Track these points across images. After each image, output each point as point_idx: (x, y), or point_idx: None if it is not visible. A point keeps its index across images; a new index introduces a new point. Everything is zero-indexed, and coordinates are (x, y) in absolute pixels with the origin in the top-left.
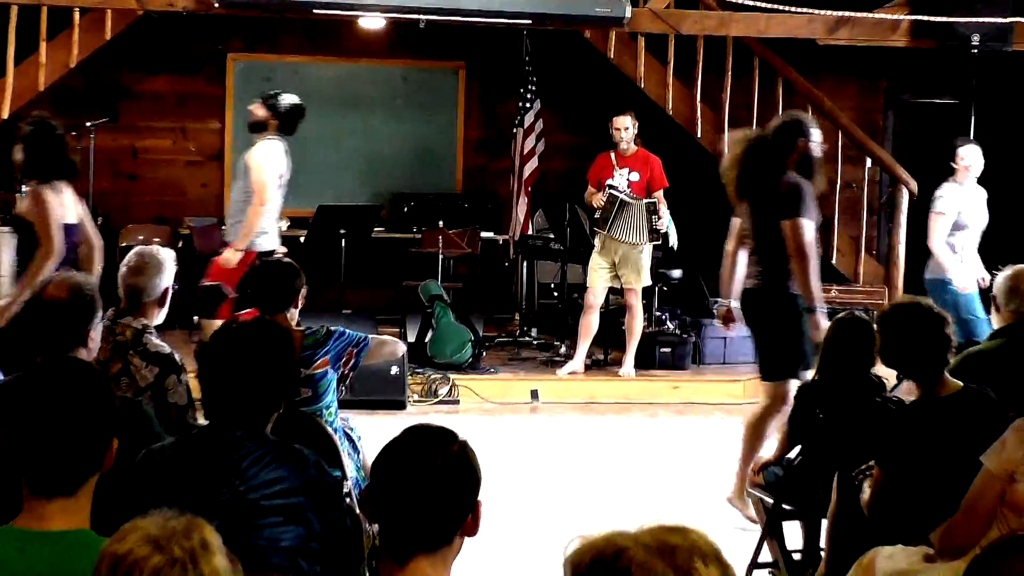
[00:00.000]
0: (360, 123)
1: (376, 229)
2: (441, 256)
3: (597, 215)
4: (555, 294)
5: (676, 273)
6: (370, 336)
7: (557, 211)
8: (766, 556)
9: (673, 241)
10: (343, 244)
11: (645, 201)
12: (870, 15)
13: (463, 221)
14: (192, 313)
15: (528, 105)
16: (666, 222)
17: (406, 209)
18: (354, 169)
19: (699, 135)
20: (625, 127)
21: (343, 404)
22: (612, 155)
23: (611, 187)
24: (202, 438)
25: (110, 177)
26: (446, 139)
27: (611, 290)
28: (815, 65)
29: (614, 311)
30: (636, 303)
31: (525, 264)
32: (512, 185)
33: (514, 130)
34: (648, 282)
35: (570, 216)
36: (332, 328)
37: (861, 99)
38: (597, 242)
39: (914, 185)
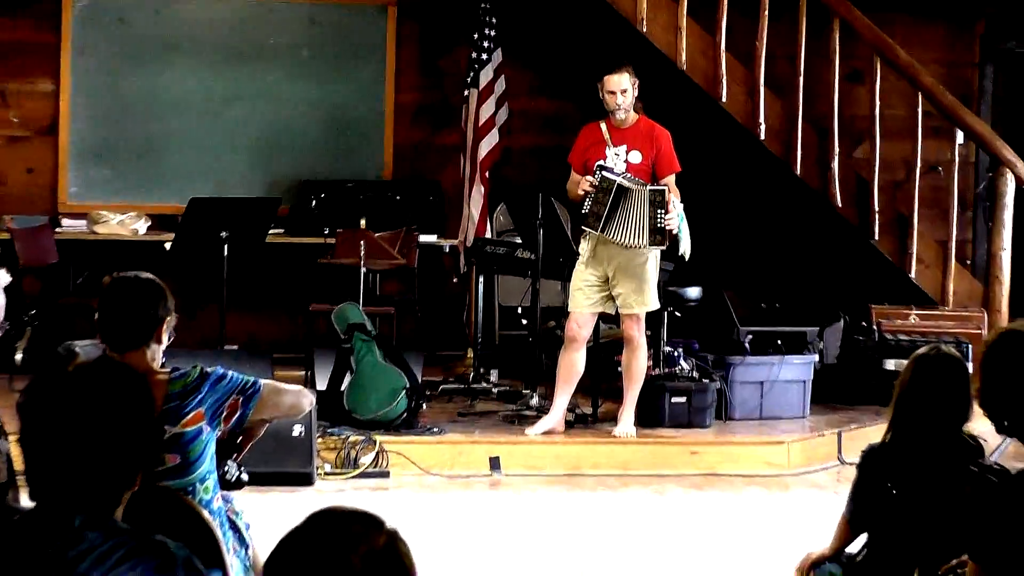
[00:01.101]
0: (250, 83)
1: (272, 232)
2: (364, 269)
3: (584, 209)
4: (523, 322)
5: (693, 292)
6: (262, 381)
7: (526, 205)
8: None
9: (685, 247)
10: (225, 253)
11: (650, 188)
12: None
13: (394, 220)
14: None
15: (485, 57)
16: (677, 220)
17: (314, 203)
18: (242, 148)
19: (723, 99)
20: (621, 89)
21: None
22: (603, 127)
23: (603, 168)
24: (25, 528)
25: None
26: (370, 105)
27: (603, 316)
28: (885, 1)
29: (607, 346)
30: (638, 334)
31: (481, 280)
32: (463, 169)
33: (465, 92)
34: (655, 305)
35: (544, 212)
36: (208, 369)
37: (949, 50)
38: (583, 248)
39: (1023, 168)
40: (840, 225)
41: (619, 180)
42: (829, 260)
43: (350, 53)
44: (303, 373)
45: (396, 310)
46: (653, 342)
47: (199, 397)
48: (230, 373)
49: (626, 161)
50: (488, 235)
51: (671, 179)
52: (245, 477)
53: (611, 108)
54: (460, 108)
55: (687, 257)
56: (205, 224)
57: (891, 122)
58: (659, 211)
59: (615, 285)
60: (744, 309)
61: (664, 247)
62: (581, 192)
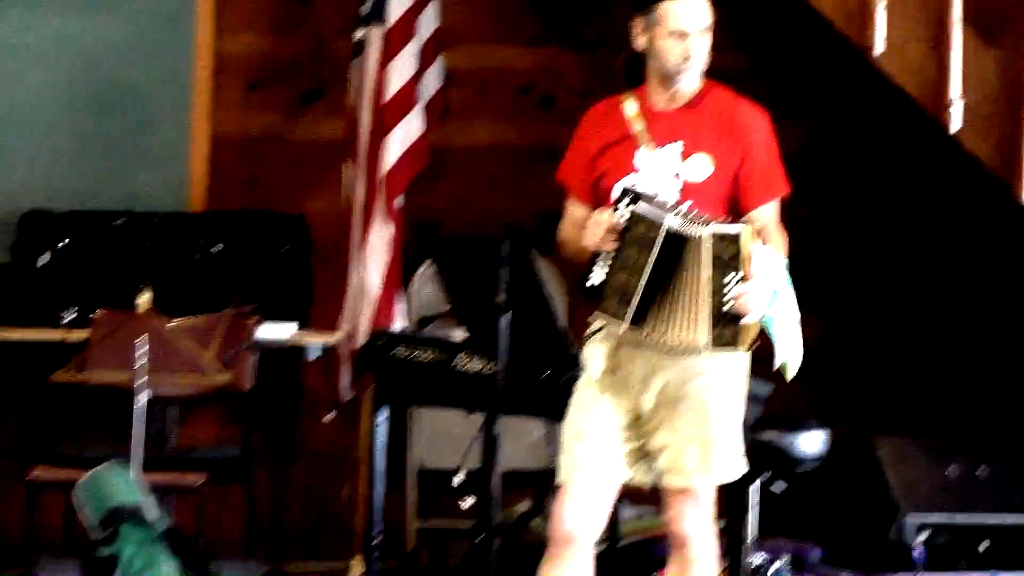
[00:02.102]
0: None
1: None
2: (145, 397)
3: (595, 277)
4: (465, 504)
5: (811, 443)
6: None
7: (476, 267)
8: None
9: (785, 354)
10: None
11: (713, 229)
12: None
13: (210, 295)
14: None
15: None
16: (764, 297)
17: (48, 258)
18: None
19: (877, 49)
20: (701, 28)
21: None
22: (630, 109)
23: (634, 196)
24: None
25: None
26: (162, 64)
27: (628, 493)
28: None
29: (634, 551)
30: (699, 529)
31: (385, 417)
32: (350, 191)
33: (357, 34)
34: (737, 470)
35: (516, 282)
36: None
37: None
38: (594, 350)
39: None
40: None
41: (670, 221)
42: None
43: None
44: None
45: (212, 479)
46: (730, 545)
47: None
48: None
49: (678, 175)
50: (400, 325)
51: (769, 212)
52: None
53: (673, 66)
54: (344, 69)
55: (789, 374)
56: None
57: None
58: (727, 276)
59: (655, 429)
60: (914, 477)
61: (740, 348)
62: (592, 244)
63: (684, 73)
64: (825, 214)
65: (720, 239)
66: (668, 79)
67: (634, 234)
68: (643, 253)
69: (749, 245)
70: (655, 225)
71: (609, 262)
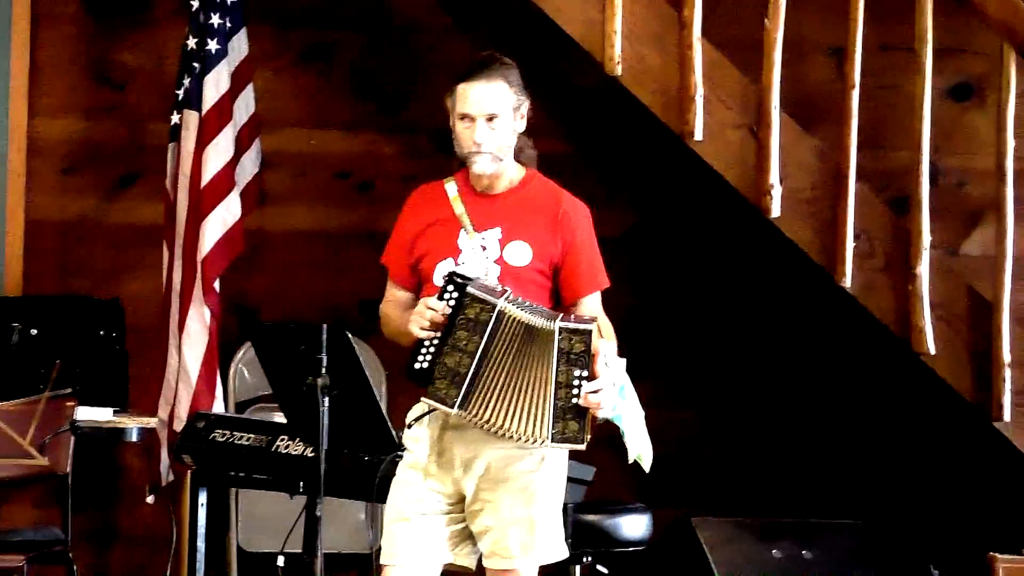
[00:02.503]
0: None
1: None
2: None
3: (421, 361)
4: None
5: (635, 526)
6: None
7: (294, 350)
8: None
9: (638, 449)
10: None
11: (562, 324)
12: None
13: (26, 380)
14: None
15: (214, 45)
16: (612, 393)
17: None
18: None
19: (698, 130)
20: (487, 114)
21: None
22: (452, 191)
23: (459, 280)
24: None
25: None
26: None
27: None
28: None
29: None
30: None
31: (203, 500)
32: (168, 275)
33: (174, 117)
34: (558, 552)
35: (336, 364)
36: None
37: None
38: (416, 435)
39: None
40: (936, 386)
41: (502, 304)
42: (916, 457)
43: None
44: None
45: (32, 560)
46: None
47: None
48: None
49: (500, 260)
50: (220, 408)
51: (596, 302)
52: None
53: (464, 149)
54: (160, 153)
55: (646, 466)
56: None
57: None
58: (576, 372)
59: (478, 511)
60: (737, 559)
61: (582, 446)
62: (417, 329)
63: (474, 157)
64: (651, 298)
65: (570, 334)
66: (466, 164)
67: (466, 316)
68: (475, 335)
69: (597, 341)
70: (487, 307)
71: (431, 348)
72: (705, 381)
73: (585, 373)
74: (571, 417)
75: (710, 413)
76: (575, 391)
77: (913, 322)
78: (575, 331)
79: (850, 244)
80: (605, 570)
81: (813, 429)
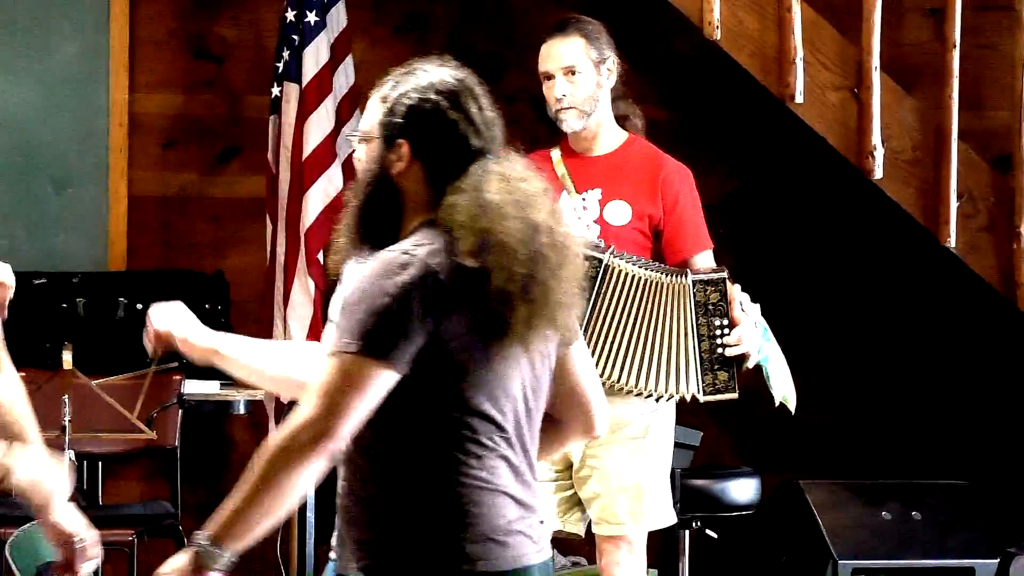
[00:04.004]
0: None
1: None
2: (67, 457)
3: None
4: None
5: (743, 489)
6: None
7: None
8: None
9: (784, 389)
10: None
11: (695, 278)
12: None
13: (133, 353)
14: None
15: (313, 18)
16: (757, 336)
17: None
18: None
19: (798, 92)
20: (565, 67)
21: None
22: (555, 154)
23: None
24: None
25: None
26: (76, 122)
27: (559, 542)
28: None
29: None
30: (631, 574)
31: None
32: (271, 248)
33: (275, 90)
34: (667, 517)
35: None
36: None
37: None
38: None
39: None
40: None
41: (607, 258)
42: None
43: (35, 23)
44: None
45: (142, 535)
46: None
47: None
48: None
49: (600, 220)
50: None
51: (705, 261)
52: None
53: (551, 108)
54: (259, 126)
55: (791, 406)
56: None
57: None
58: (717, 322)
59: (586, 478)
60: (847, 523)
61: (735, 394)
62: None
63: (560, 114)
64: (752, 264)
65: (705, 285)
66: (558, 126)
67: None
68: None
69: (731, 288)
70: (593, 261)
71: None
72: (809, 345)
73: (726, 321)
74: (719, 367)
75: (815, 377)
76: (719, 340)
77: (1018, 280)
78: (709, 282)
79: (953, 204)
80: (714, 534)
81: (918, 390)
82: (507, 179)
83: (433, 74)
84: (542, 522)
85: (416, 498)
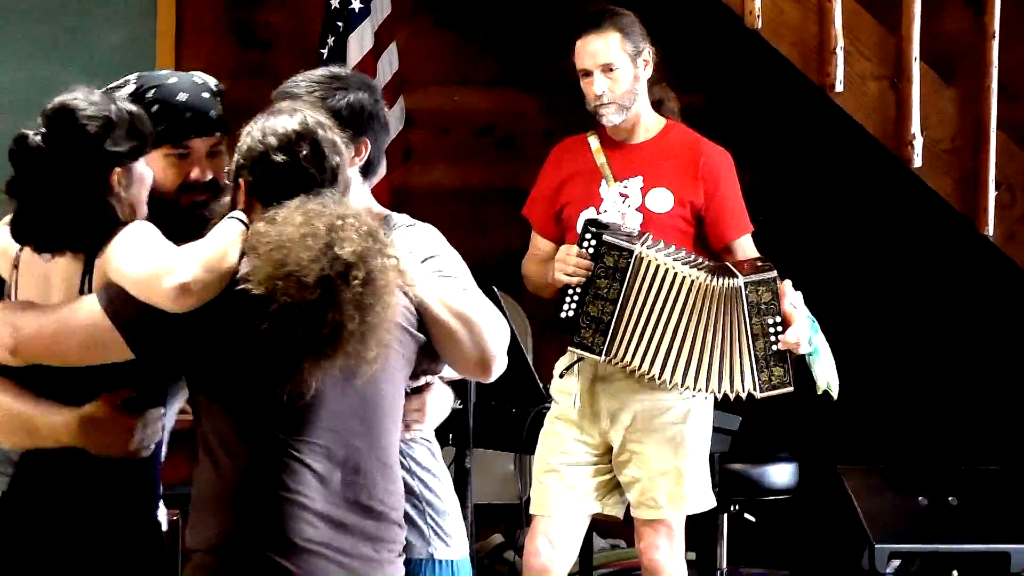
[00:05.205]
0: None
1: None
2: None
3: (566, 309)
4: None
5: (781, 474)
6: None
7: None
8: None
9: (828, 377)
10: None
11: (747, 279)
12: None
13: None
14: None
15: (357, 4)
16: (806, 329)
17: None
18: None
19: (837, 87)
20: (602, 64)
21: None
22: (594, 144)
23: (598, 228)
24: None
25: None
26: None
27: (598, 524)
28: None
29: None
30: (671, 559)
31: None
32: None
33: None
34: (707, 502)
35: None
36: None
37: None
38: (565, 386)
39: None
40: None
41: (639, 249)
42: None
43: (81, 8)
44: None
45: (185, 518)
46: (701, 573)
47: None
48: None
49: (642, 208)
50: None
51: (748, 244)
52: None
53: (590, 103)
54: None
55: (834, 394)
56: None
57: None
58: (770, 320)
59: (625, 462)
60: (883, 507)
61: (791, 388)
62: (561, 279)
63: (600, 109)
64: (787, 250)
65: (756, 286)
66: (596, 118)
67: (604, 264)
68: (614, 282)
69: (782, 285)
70: (625, 253)
71: (580, 293)
72: (845, 331)
73: (778, 319)
74: (774, 364)
75: (851, 363)
76: (773, 339)
77: None
78: (760, 282)
79: (991, 193)
80: (752, 518)
81: (954, 378)
82: (317, 214)
83: (276, 121)
84: None
85: None
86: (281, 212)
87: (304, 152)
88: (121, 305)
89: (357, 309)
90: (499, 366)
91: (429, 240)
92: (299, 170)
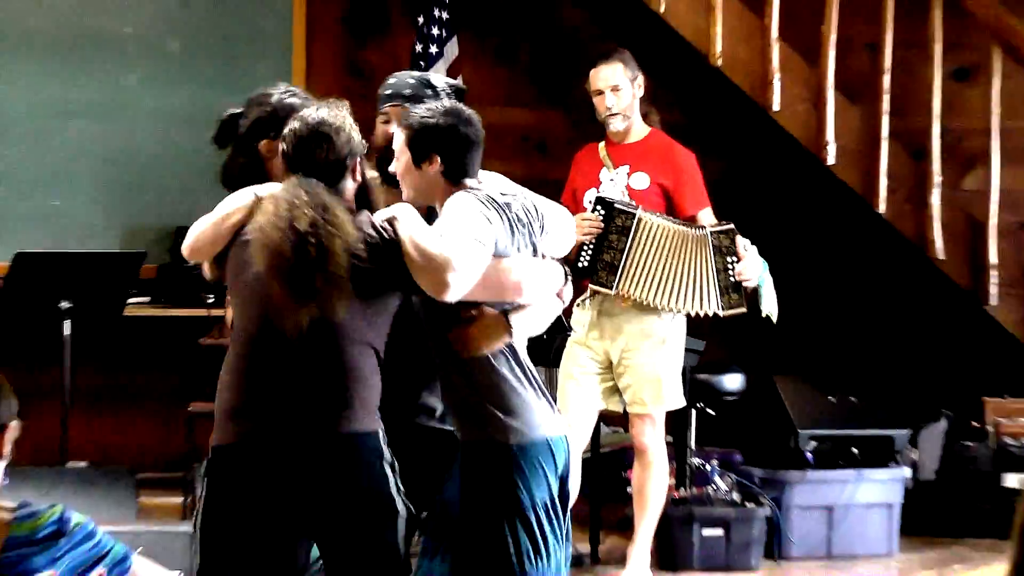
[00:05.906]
0: (98, 89)
1: (133, 301)
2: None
3: (584, 260)
4: None
5: (733, 382)
6: (133, 556)
7: None
8: None
9: (770, 306)
10: (67, 331)
11: (712, 230)
12: None
13: None
14: None
15: (434, 49)
16: (757, 267)
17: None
18: (86, 181)
19: (775, 106)
20: (611, 86)
21: None
22: (602, 147)
23: (604, 199)
24: None
25: None
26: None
27: (604, 417)
28: None
29: (610, 458)
30: (654, 442)
31: None
32: None
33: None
34: (679, 401)
35: None
36: (71, 518)
37: None
38: (580, 319)
39: None
40: (942, 284)
41: (640, 213)
42: (926, 335)
43: (239, 46)
44: (181, 501)
45: None
46: (676, 453)
47: (53, 552)
48: (99, 533)
49: (627, 187)
50: None
51: (707, 216)
52: None
53: (601, 115)
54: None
55: (774, 319)
56: (36, 289)
57: (1018, 138)
58: (729, 260)
59: (622, 372)
60: (805, 405)
61: (744, 309)
62: (581, 237)
63: (608, 119)
64: (747, 223)
65: (719, 234)
66: (604, 124)
67: (615, 224)
68: (623, 236)
69: (736, 235)
70: (630, 215)
71: (593, 247)
72: (784, 274)
73: (735, 259)
74: (732, 291)
75: (786, 295)
76: (731, 272)
77: (928, 237)
78: (721, 232)
79: (884, 183)
80: (713, 412)
81: (856, 306)
82: (284, 199)
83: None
84: None
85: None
86: (267, 202)
87: (316, 142)
88: None
89: (319, 266)
90: (449, 294)
91: (448, 206)
92: (307, 154)
